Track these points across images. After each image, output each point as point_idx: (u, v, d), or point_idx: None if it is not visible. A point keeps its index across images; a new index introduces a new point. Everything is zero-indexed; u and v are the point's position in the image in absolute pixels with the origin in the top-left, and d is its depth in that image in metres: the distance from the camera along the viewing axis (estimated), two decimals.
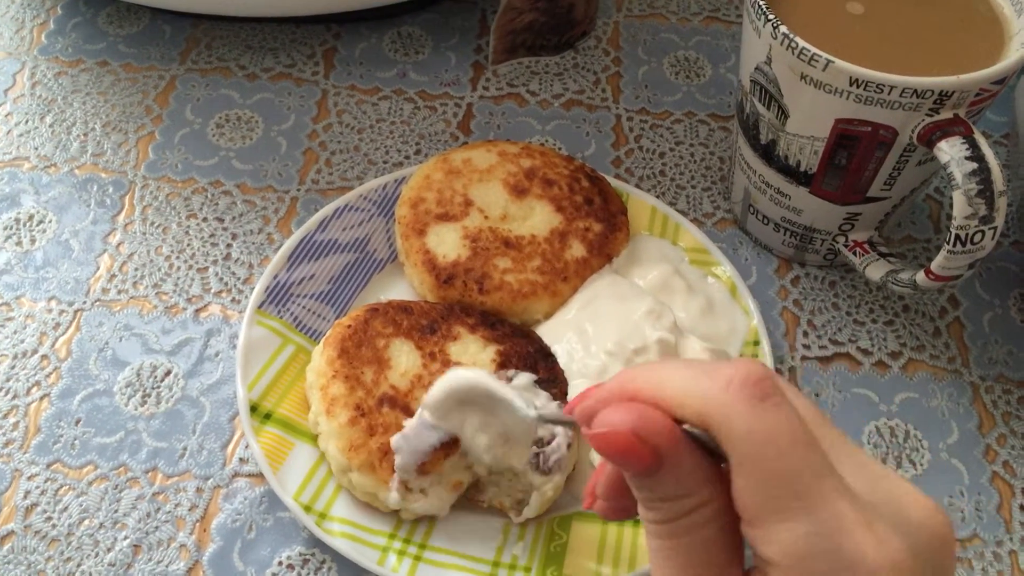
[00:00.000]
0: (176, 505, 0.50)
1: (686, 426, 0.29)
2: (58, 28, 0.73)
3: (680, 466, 0.28)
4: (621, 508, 0.34)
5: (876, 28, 0.51)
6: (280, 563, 0.48)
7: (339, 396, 0.48)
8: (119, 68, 0.71)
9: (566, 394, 0.50)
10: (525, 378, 0.49)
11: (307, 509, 0.47)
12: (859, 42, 0.50)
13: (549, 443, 0.47)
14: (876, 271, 0.55)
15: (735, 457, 0.27)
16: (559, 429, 0.48)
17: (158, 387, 0.54)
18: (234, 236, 0.61)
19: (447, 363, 0.50)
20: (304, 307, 0.55)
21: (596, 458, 0.49)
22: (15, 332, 0.56)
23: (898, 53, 0.50)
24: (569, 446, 0.47)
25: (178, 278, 0.59)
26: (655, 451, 0.28)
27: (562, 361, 0.51)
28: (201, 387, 0.54)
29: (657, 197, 0.63)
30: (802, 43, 0.48)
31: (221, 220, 0.62)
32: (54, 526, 0.49)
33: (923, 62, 0.49)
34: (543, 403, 0.47)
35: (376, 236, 0.58)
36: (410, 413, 0.48)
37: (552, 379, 0.50)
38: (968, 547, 0.50)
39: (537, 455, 0.47)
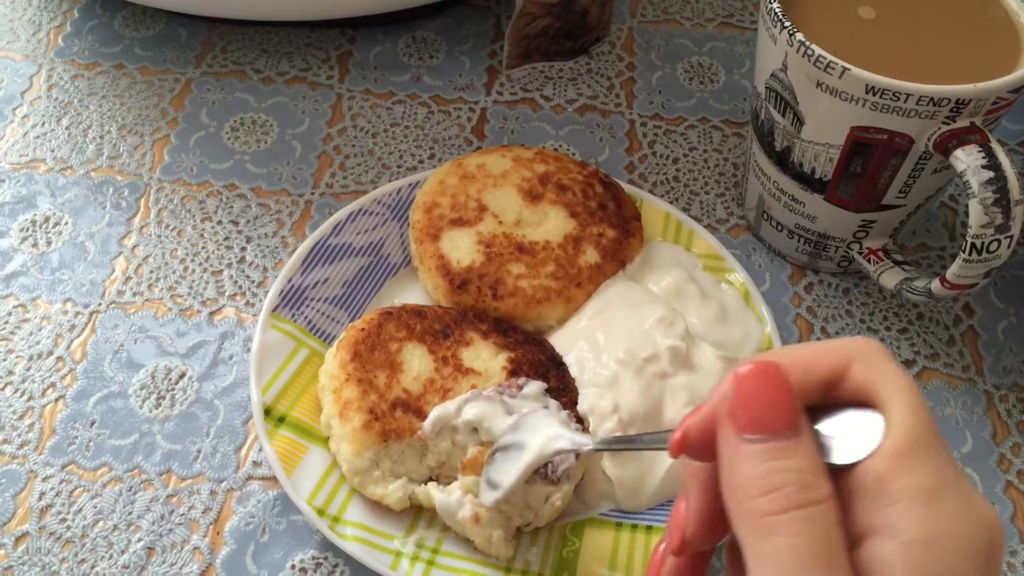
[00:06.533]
0: (190, 508, 0.50)
1: None
2: (75, 31, 0.74)
3: (812, 444, 0.27)
4: (701, 556, 0.33)
5: (889, 34, 0.51)
6: (293, 567, 0.48)
7: (352, 399, 0.48)
8: (135, 71, 0.71)
9: (575, 403, 0.49)
10: (536, 386, 0.49)
11: (320, 513, 0.47)
12: (872, 48, 0.50)
13: None
14: (890, 279, 0.55)
15: (894, 387, 0.28)
16: None
17: (172, 389, 0.54)
18: (248, 239, 0.61)
19: (459, 368, 0.50)
20: (318, 311, 0.55)
21: (608, 465, 0.49)
22: (31, 334, 0.56)
23: (912, 59, 0.50)
24: (577, 455, 0.47)
25: (193, 281, 0.59)
26: (798, 411, 0.27)
27: (573, 370, 0.51)
28: (215, 390, 0.54)
29: (671, 203, 0.63)
30: (818, 51, 0.48)
31: (236, 223, 0.62)
32: (68, 528, 0.49)
33: (937, 69, 0.49)
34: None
35: (390, 240, 0.58)
36: (423, 417, 0.48)
37: (563, 387, 0.50)
38: None
39: (545, 465, 0.47)
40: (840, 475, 0.28)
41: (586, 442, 0.42)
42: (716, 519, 0.30)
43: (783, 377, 0.28)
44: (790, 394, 0.27)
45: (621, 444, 0.42)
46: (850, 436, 0.28)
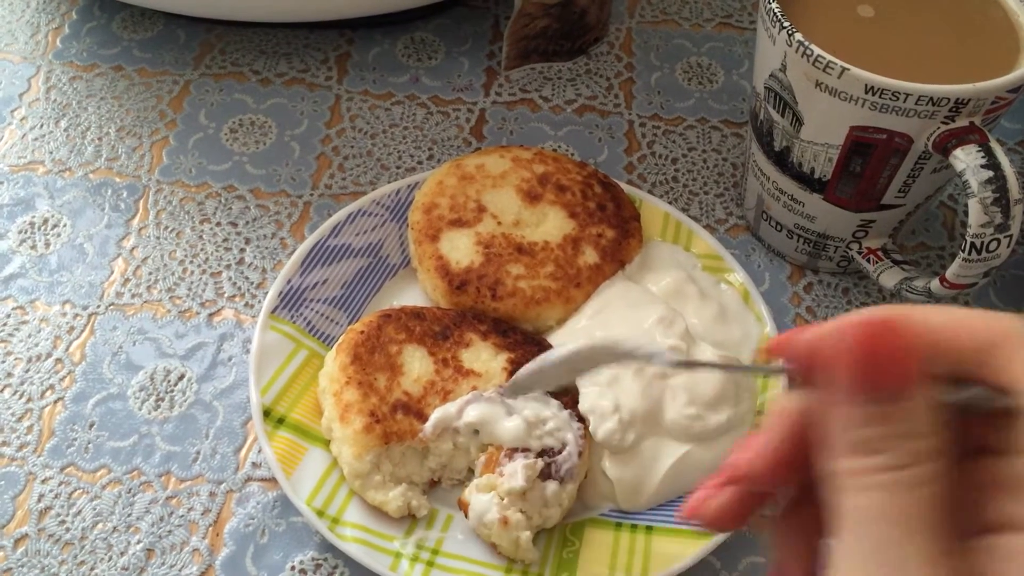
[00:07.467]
0: (189, 509, 0.50)
1: None
2: (73, 33, 0.74)
3: (927, 398, 0.25)
4: (753, 498, 0.30)
5: (888, 32, 0.51)
6: (293, 568, 0.48)
7: (353, 402, 0.48)
8: (133, 73, 0.71)
9: (577, 402, 0.49)
10: None
11: (320, 514, 0.47)
12: (871, 47, 0.50)
13: (559, 452, 0.47)
14: (890, 278, 0.55)
15: None
16: (570, 438, 0.47)
17: (171, 391, 0.54)
18: (247, 241, 0.61)
19: (459, 370, 0.50)
20: (317, 312, 0.55)
21: (608, 466, 0.48)
22: (29, 336, 0.56)
23: (911, 59, 0.50)
24: (580, 454, 0.47)
25: (191, 282, 0.59)
26: (908, 365, 0.25)
27: None
28: (214, 391, 0.54)
29: (670, 203, 0.63)
30: (817, 50, 0.48)
31: (235, 225, 0.62)
32: (68, 530, 0.49)
33: (936, 68, 0.49)
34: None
35: (389, 241, 0.58)
36: (424, 419, 0.48)
37: (563, 387, 0.50)
38: None
39: (549, 465, 0.47)
40: (974, 465, 0.26)
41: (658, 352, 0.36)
42: (780, 464, 0.29)
43: (910, 340, 0.25)
44: (913, 360, 0.25)
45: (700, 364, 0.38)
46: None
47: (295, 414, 0.50)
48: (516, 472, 0.46)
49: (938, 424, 0.25)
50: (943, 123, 0.47)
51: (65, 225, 0.62)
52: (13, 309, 0.58)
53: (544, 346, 0.52)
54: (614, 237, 0.57)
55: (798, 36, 0.49)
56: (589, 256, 0.56)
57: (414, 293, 0.57)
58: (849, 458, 0.25)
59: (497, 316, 0.54)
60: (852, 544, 0.24)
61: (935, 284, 0.51)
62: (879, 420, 0.25)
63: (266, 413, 0.49)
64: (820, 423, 0.26)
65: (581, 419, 0.49)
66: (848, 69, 0.47)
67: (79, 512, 0.50)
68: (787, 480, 0.30)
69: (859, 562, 0.24)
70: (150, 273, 0.59)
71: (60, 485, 0.51)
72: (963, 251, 0.47)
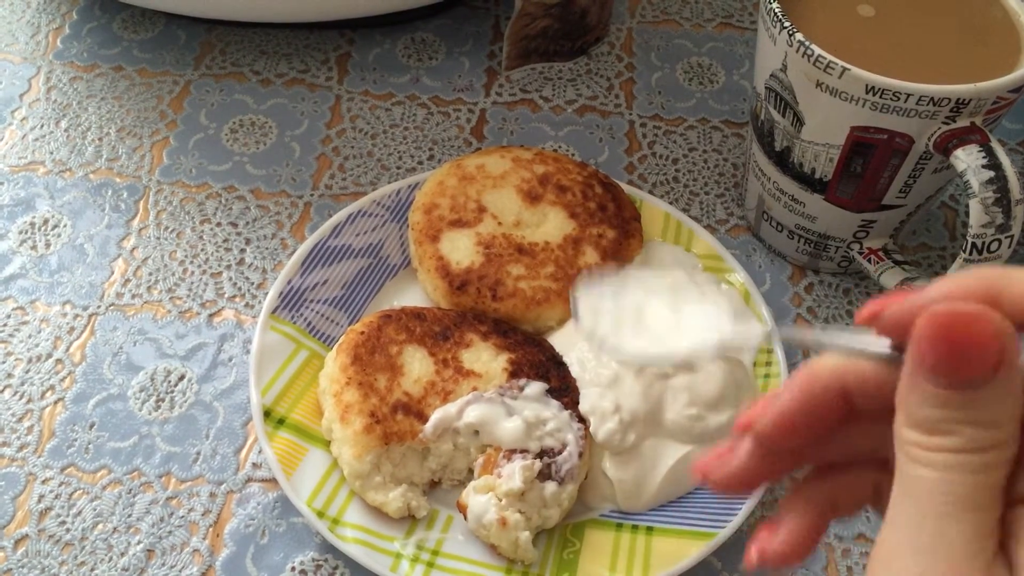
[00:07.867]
0: (189, 510, 0.50)
1: None
2: (73, 33, 0.74)
3: (1008, 385, 0.24)
4: (767, 466, 0.30)
5: (888, 32, 0.51)
6: (293, 568, 0.48)
7: (353, 403, 0.48)
8: (134, 73, 0.71)
9: (577, 403, 0.49)
10: (537, 387, 0.49)
11: (320, 515, 0.47)
12: (872, 47, 0.50)
13: (560, 453, 0.47)
14: (891, 279, 0.55)
15: None
16: (570, 438, 0.47)
17: (172, 392, 0.54)
18: (248, 241, 0.61)
19: (460, 370, 0.50)
20: (317, 312, 0.55)
21: (609, 466, 0.48)
22: (30, 336, 0.56)
23: (912, 59, 0.50)
24: (581, 455, 0.47)
25: (192, 283, 0.59)
26: (1002, 353, 0.24)
27: (574, 370, 0.51)
28: (215, 392, 0.54)
29: (670, 203, 0.63)
30: (818, 50, 0.48)
31: (235, 225, 0.62)
32: (68, 530, 0.49)
33: (937, 68, 0.49)
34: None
35: (389, 242, 0.58)
36: (424, 420, 0.48)
37: (564, 388, 0.50)
38: None
39: (548, 465, 0.47)
40: None
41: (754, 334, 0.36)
42: (791, 428, 0.29)
43: (999, 325, 0.24)
44: (1001, 345, 0.24)
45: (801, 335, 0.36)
46: None
47: (295, 415, 0.50)
48: (514, 473, 0.46)
49: (1016, 412, 0.25)
50: (944, 123, 0.47)
51: (65, 225, 0.62)
52: (13, 309, 0.58)
53: (544, 346, 0.52)
54: (615, 237, 0.57)
55: (799, 36, 0.49)
56: (590, 256, 0.56)
57: (414, 293, 0.57)
58: (919, 432, 0.25)
59: (497, 317, 0.54)
60: (907, 507, 0.25)
61: None
62: (955, 405, 0.24)
63: (266, 414, 0.49)
64: (901, 392, 0.26)
65: (582, 420, 0.49)
66: (849, 69, 0.47)
67: (79, 513, 0.50)
68: (799, 443, 0.29)
69: (908, 524, 0.25)
70: (150, 273, 0.59)
71: (60, 486, 0.51)
72: (964, 251, 0.47)
